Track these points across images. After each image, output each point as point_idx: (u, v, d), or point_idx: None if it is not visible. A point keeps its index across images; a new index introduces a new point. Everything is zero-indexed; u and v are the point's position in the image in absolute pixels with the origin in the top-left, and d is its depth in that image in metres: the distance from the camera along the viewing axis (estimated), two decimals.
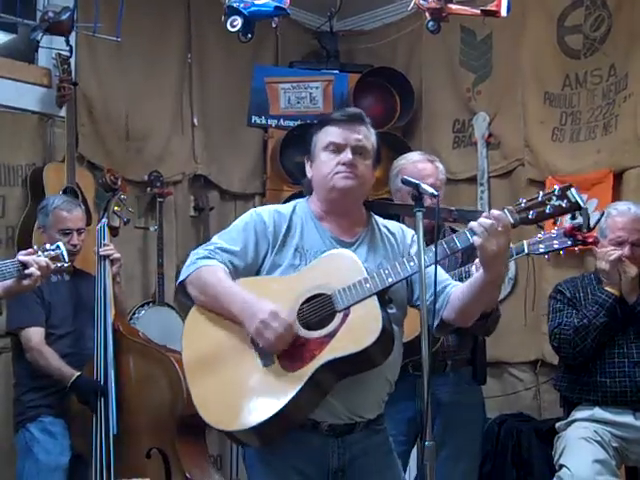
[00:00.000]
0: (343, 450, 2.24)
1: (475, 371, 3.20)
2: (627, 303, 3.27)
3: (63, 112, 4.08)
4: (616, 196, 3.99)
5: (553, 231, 2.89)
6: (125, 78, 4.47)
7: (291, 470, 2.23)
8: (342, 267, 2.21)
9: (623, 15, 4.13)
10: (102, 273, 3.50)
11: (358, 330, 2.13)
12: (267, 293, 2.20)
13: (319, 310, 2.18)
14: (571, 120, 4.29)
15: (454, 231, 2.65)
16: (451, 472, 2.99)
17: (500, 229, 2.06)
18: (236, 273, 2.27)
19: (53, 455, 3.37)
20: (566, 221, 2.79)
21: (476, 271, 2.47)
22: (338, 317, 2.15)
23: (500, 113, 4.58)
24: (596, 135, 4.19)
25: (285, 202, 2.50)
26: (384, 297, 2.19)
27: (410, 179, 2.24)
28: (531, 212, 2.10)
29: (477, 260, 2.21)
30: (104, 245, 3.53)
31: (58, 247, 2.73)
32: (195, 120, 4.75)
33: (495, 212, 2.09)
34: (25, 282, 2.60)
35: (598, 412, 3.28)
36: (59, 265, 2.71)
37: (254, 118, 4.68)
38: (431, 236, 2.17)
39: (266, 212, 2.35)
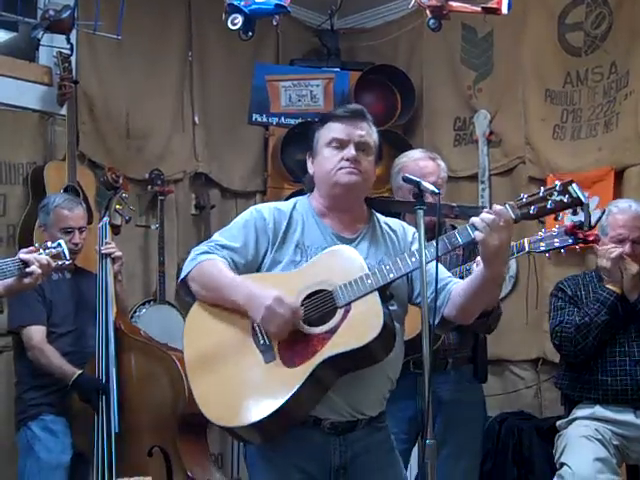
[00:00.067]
0: (345, 448, 2.24)
1: (476, 369, 3.19)
2: (628, 301, 3.26)
3: (64, 110, 4.08)
4: (617, 194, 3.99)
5: (554, 229, 2.88)
6: (126, 76, 4.47)
7: (292, 468, 2.22)
8: (343, 263, 2.21)
9: (624, 12, 4.12)
10: (103, 271, 3.49)
11: (359, 326, 2.13)
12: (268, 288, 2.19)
13: (320, 306, 2.18)
14: (572, 118, 4.29)
15: (455, 228, 2.64)
16: (452, 470, 2.99)
17: (502, 224, 2.06)
18: (236, 270, 2.27)
19: (54, 453, 3.37)
20: (567, 217, 2.78)
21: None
22: (339, 313, 2.15)
23: (501, 111, 4.58)
24: (597, 133, 4.19)
25: (286, 200, 2.49)
26: (385, 293, 2.19)
27: (411, 177, 2.24)
28: (532, 207, 2.10)
29: (478, 258, 2.20)
30: (106, 243, 3.52)
31: (59, 245, 2.72)
32: (196, 118, 4.75)
33: (497, 207, 2.09)
34: (26, 280, 2.59)
35: (599, 410, 3.28)
36: (60, 263, 2.71)
37: (255, 116, 4.69)
38: (432, 234, 2.16)
39: (266, 209, 2.35)
